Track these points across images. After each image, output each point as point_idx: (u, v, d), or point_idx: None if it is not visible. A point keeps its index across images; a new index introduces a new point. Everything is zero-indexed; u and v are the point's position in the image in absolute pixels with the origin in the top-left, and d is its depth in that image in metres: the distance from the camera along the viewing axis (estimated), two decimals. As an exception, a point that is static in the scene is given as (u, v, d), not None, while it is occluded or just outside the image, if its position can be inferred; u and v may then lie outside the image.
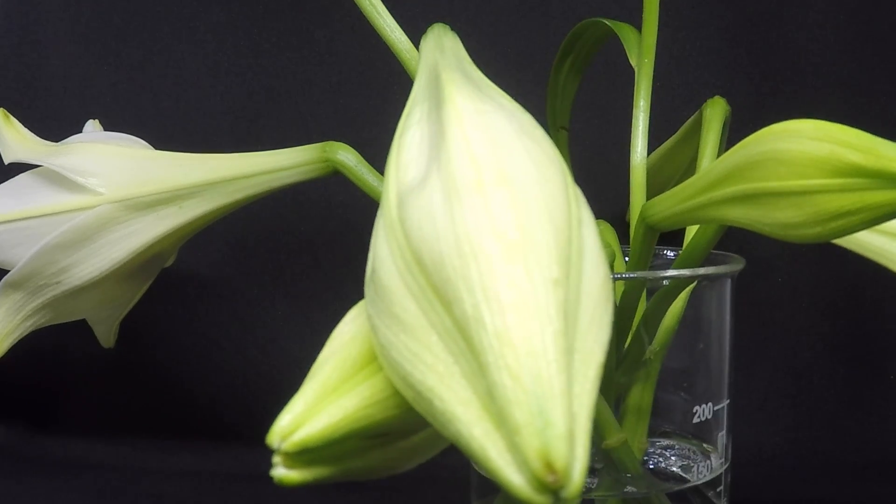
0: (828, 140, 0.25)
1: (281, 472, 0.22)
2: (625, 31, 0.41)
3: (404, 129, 0.25)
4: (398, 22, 0.39)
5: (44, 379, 0.64)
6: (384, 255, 0.22)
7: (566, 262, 0.20)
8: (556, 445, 0.17)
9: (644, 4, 0.41)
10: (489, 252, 0.20)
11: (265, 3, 0.61)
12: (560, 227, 0.21)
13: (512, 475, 0.18)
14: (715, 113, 0.42)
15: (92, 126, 0.48)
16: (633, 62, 0.41)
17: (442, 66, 0.27)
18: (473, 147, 0.22)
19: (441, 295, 0.20)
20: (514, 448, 0.18)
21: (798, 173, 0.26)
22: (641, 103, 0.40)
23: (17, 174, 0.42)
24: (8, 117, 0.42)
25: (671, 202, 0.33)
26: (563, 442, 0.18)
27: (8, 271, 0.40)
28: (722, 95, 0.43)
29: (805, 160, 0.26)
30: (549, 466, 0.17)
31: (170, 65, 0.62)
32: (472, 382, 0.19)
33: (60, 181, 0.40)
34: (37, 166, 0.41)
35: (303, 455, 0.22)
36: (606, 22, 0.42)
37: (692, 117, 0.46)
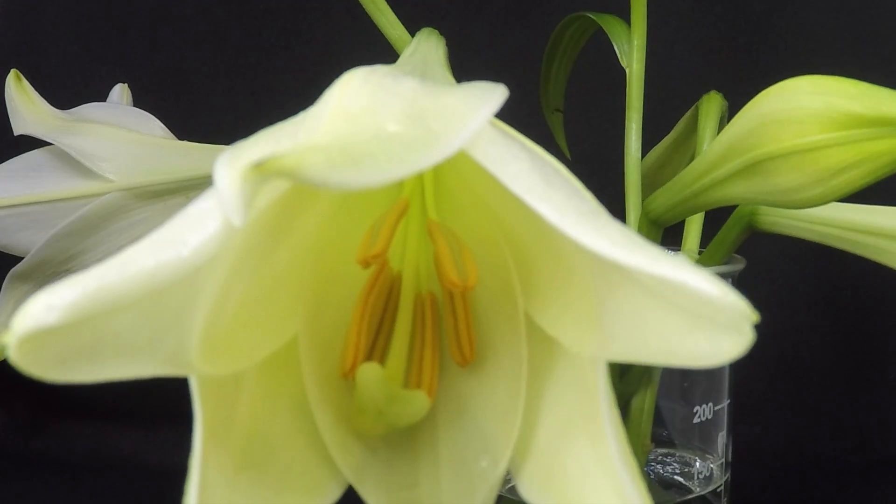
0: (825, 92, 0.25)
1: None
2: (614, 26, 0.41)
3: None
4: (399, 18, 0.39)
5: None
6: None
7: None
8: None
9: (631, 6, 0.40)
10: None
11: (265, 3, 0.61)
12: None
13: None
14: (711, 107, 0.42)
15: (119, 91, 0.47)
16: (623, 63, 0.41)
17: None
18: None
19: None
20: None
21: (796, 132, 0.25)
22: (634, 103, 0.40)
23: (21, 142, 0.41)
24: (20, 80, 0.41)
25: (672, 192, 0.32)
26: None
27: (9, 255, 0.40)
28: (721, 96, 0.43)
29: (802, 116, 0.25)
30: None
31: (170, 65, 0.62)
32: None
33: (70, 161, 0.39)
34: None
35: None
36: (592, 16, 0.42)
37: (688, 113, 0.46)
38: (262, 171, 0.17)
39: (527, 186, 0.19)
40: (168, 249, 0.18)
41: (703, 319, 0.18)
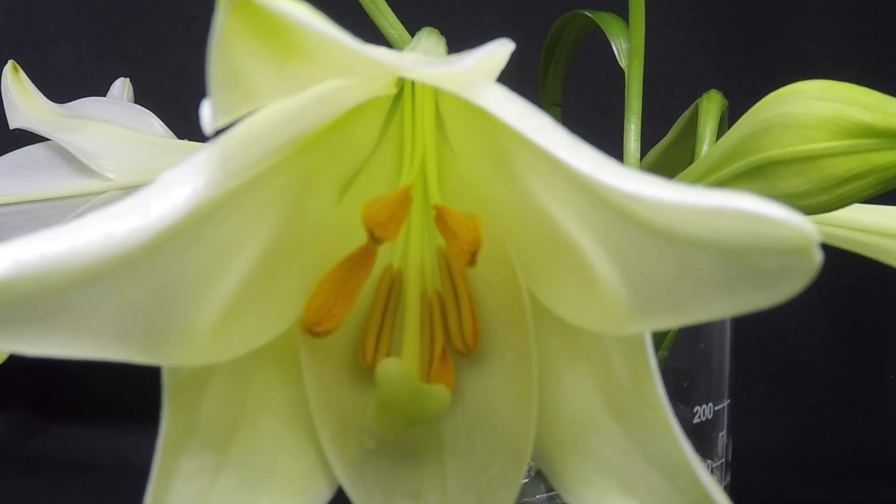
0: (834, 99, 0.24)
1: None
2: (612, 25, 0.41)
3: None
4: (399, 18, 0.39)
5: (45, 373, 0.63)
6: None
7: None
8: None
9: (630, 6, 0.40)
10: None
11: (265, 2, 0.61)
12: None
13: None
14: (711, 106, 0.42)
15: (120, 86, 0.46)
16: (622, 63, 0.40)
17: None
18: None
19: None
20: None
21: (803, 137, 0.25)
22: (633, 104, 0.40)
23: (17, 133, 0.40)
24: (17, 72, 0.40)
25: None
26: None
27: None
28: (721, 95, 0.43)
29: (811, 122, 0.25)
30: None
31: (170, 65, 0.62)
32: None
33: (68, 158, 0.38)
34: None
35: None
36: (589, 14, 0.42)
37: (687, 112, 0.46)
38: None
39: (552, 139, 0.18)
40: (127, 217, 0.17)
41: (760, 252, 0.16)
